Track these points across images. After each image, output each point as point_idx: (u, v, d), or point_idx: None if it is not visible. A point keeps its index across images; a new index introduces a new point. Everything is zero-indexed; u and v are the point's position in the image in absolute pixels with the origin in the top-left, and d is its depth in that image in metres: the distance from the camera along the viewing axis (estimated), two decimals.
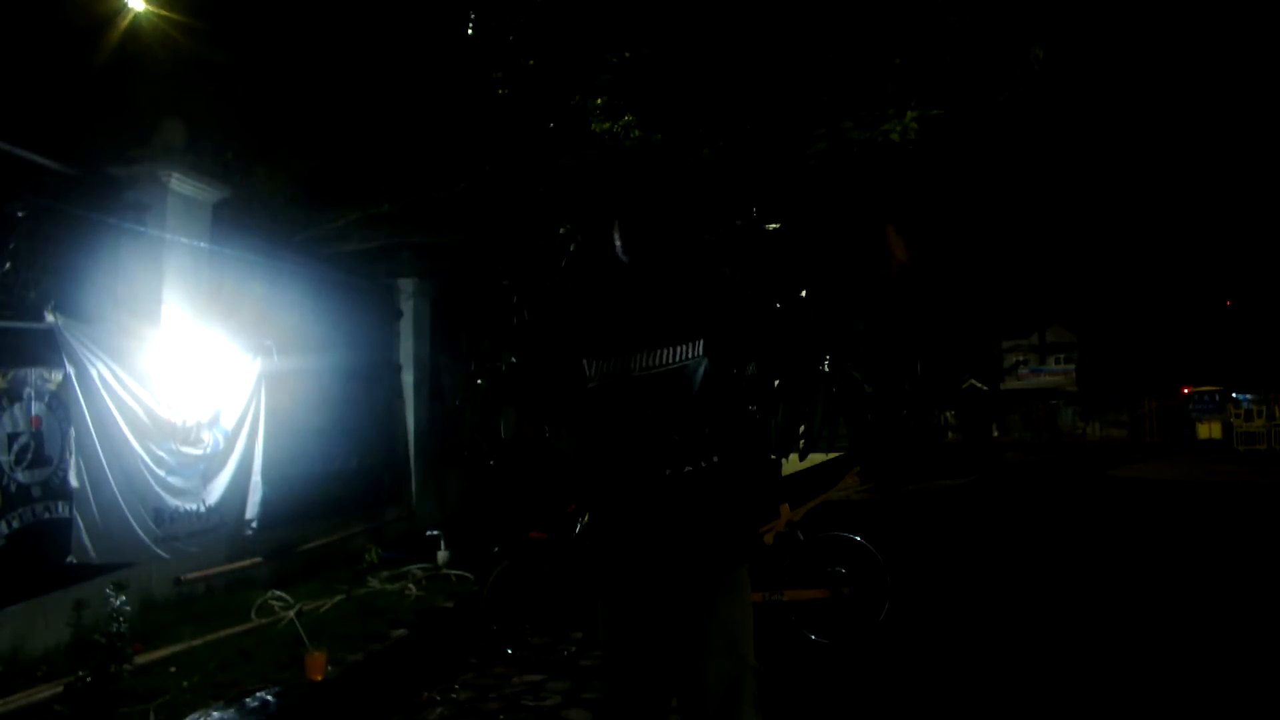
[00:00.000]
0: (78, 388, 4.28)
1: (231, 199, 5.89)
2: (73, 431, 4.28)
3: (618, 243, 2.16)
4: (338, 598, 5.50)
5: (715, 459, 2.04)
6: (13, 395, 4.07)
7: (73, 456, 4.28)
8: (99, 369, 4.42)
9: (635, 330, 2.10)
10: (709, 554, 2.05)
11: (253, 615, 5.04)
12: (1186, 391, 27.69)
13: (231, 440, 5.58)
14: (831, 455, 12.90)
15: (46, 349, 4.22)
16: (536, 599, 5.13)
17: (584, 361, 2.12)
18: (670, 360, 2.05)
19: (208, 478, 5.31)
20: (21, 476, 4.11)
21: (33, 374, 4.17)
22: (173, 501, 4.93)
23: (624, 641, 2.10)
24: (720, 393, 2.07)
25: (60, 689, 3.52)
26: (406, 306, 8.59)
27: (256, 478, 5.76)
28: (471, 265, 8.73)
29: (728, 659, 2.01)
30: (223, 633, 4.70)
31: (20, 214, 4.24)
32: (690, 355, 2.06)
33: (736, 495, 2.10)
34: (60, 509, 4.28)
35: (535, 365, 2.27)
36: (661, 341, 2.07)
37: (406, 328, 8.60)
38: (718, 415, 2.06)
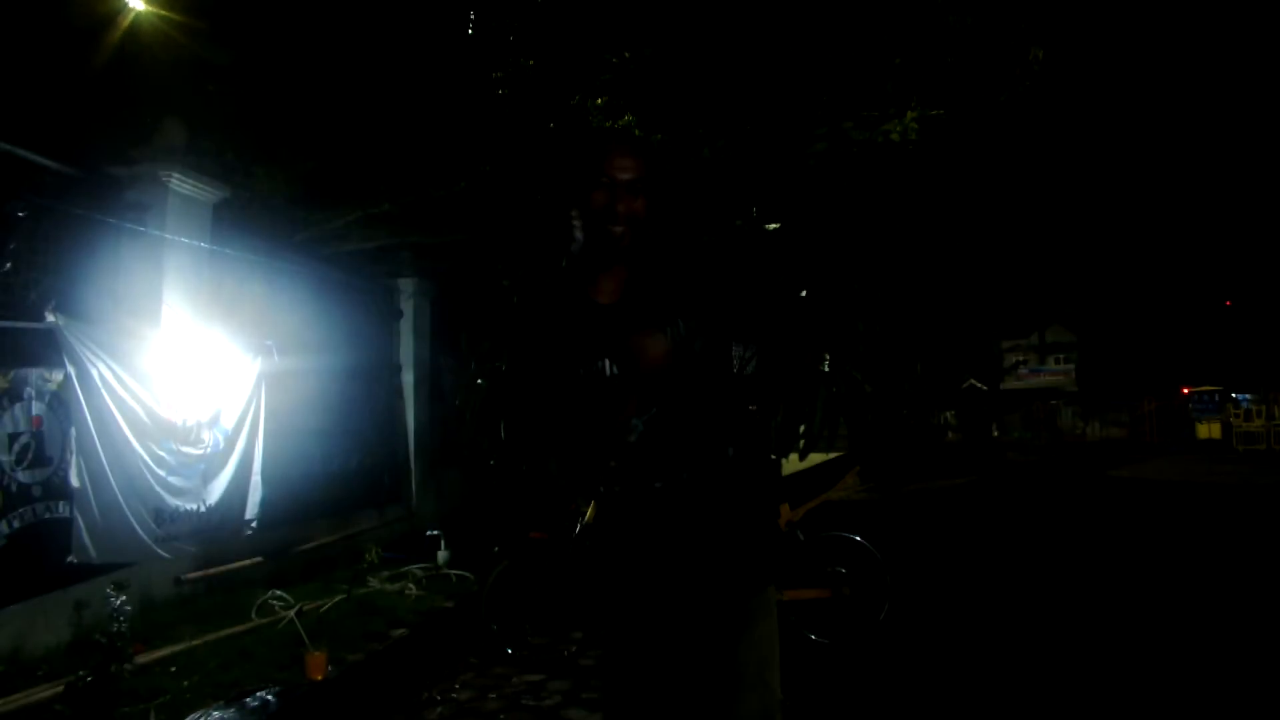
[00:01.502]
0: (78, 388, 4.28)
1: (231, 199, 5.90)
2: (73, 431, 4.28)
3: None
4: (338, 597, 5.50)
5: (720, 458, 1.78)
6: (14, 395, 4.08)
7: (73, 456, 4.28)
8: (99, 369, 4.42)
9: (614, 322, 1.81)
10: (724, 576, 1.78)
11: (253, 615, 5.04)
12: (1186, 391, 27.68)
13: (231, 440, 5.58)
14: (831, 455, 12.93)
15: (47, 349, 4.22)
16: (536, 599, 5.14)
17: (605, 361, 1.85)
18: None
19: (208, 478, 5.31)
20: (22, 476, 4.11)
21: (33, 374, 4.18)
22: (173, 501, 4.93)
23: (633, 676, 1.84)
24: (713, 381, 1.79)
25: (61, 688, 3.53)
26: (406, 306, 8.59)
27: (256, 478, 5.76)
28: (471, 265, 8.74)
29: (756, 694, 1.77)
30: (223, 632, 4.70)
31: (20, 214, 4.24)
32: (677, 339, 1.77)
33: (750, 502, 1.82)
34: (61, 509, 4.28)
35: (527, 367, 1.96)
36: (640, 324, 1.78)
37: (406, 328, 8.60)
38: (713, 407, 1.79)
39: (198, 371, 5.27)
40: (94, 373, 4.38)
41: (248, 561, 5.80)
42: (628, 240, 1.80)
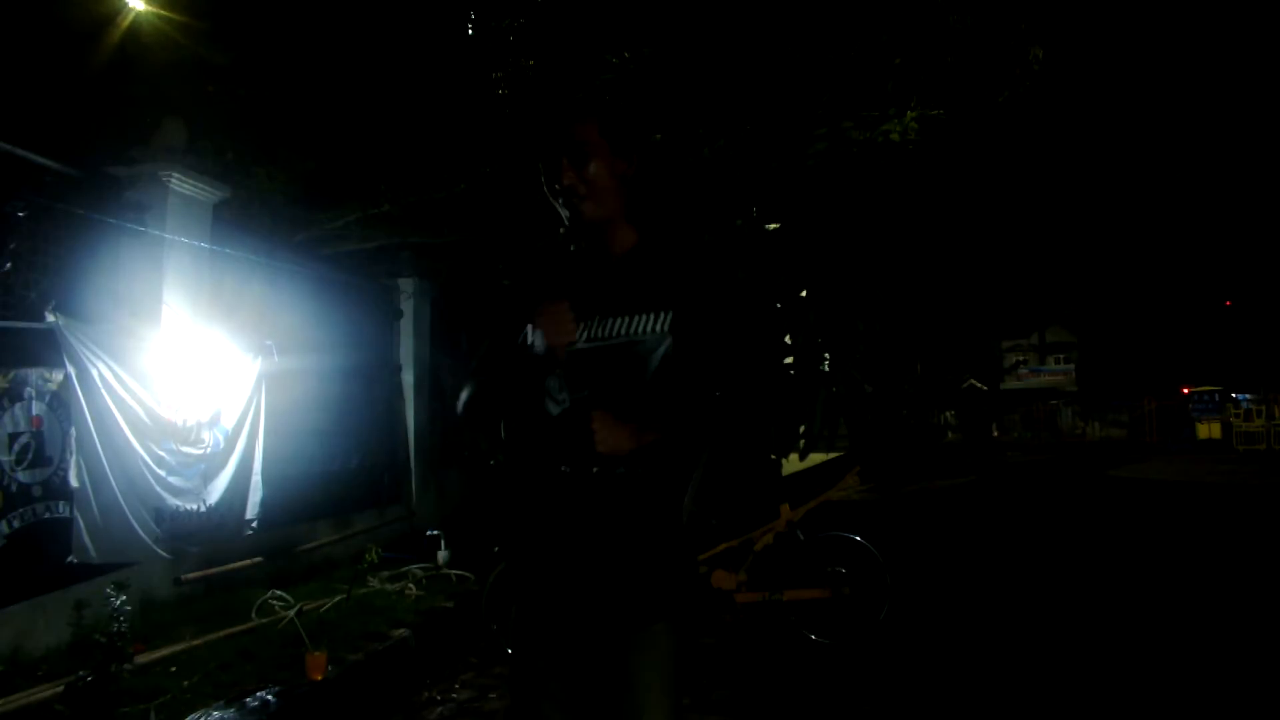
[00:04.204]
0: (78, 388, 4.29)
1: (231, 199, 5.89)
2: (73, 431, 4.28)
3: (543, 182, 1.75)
4: (338, 598, 5.50)
5: (658, 463, 1.64)
6: (14, 395, 4.08)
7: (73, 456, 4.29)
8: (99, 369, 4.42)
9: (589, 292, 1.70)
10: (621, 594, 1.61)
11: (253, 615, 5.04)
12: (1186, 391, 27.68)
13: (232, 440, 5.58)
14: (831, 455, 12.94)
15: (47, 349, 4.22)
16: None
17: (528, 327, 1.72)
18: (622, 332, 1.68)
19: (208, 478, 5.31)
20: (22, 476, 4.11)
21: (33, 374, 4.18)
22: (173, 501, 4.93)
23: (527, 687, 1.70)
24: (681, 383, 1.67)
25: (61, 688, 3.52)
26: (406, 306, 8.59)
27: (256, 478, 5.76)
28: (471, 265, 8.74)
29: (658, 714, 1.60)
30: (223, 632, 4.70)
31: (20, 214, 4.24)
32: (649, 330, 1.67)
33: (671, 520, 1.67)
34: (61, 509, 4.29)
35: (489, 338, 1.86)
36: (617, 309, 1.69)
37: (406, 328, 8.60)
38: (672, 411, 1.65)
39: (198, 371, 5.27)
40: (94, 373, 4.38)
41: (248, 561, 5.80)
42: (591, 210, 1.72)
